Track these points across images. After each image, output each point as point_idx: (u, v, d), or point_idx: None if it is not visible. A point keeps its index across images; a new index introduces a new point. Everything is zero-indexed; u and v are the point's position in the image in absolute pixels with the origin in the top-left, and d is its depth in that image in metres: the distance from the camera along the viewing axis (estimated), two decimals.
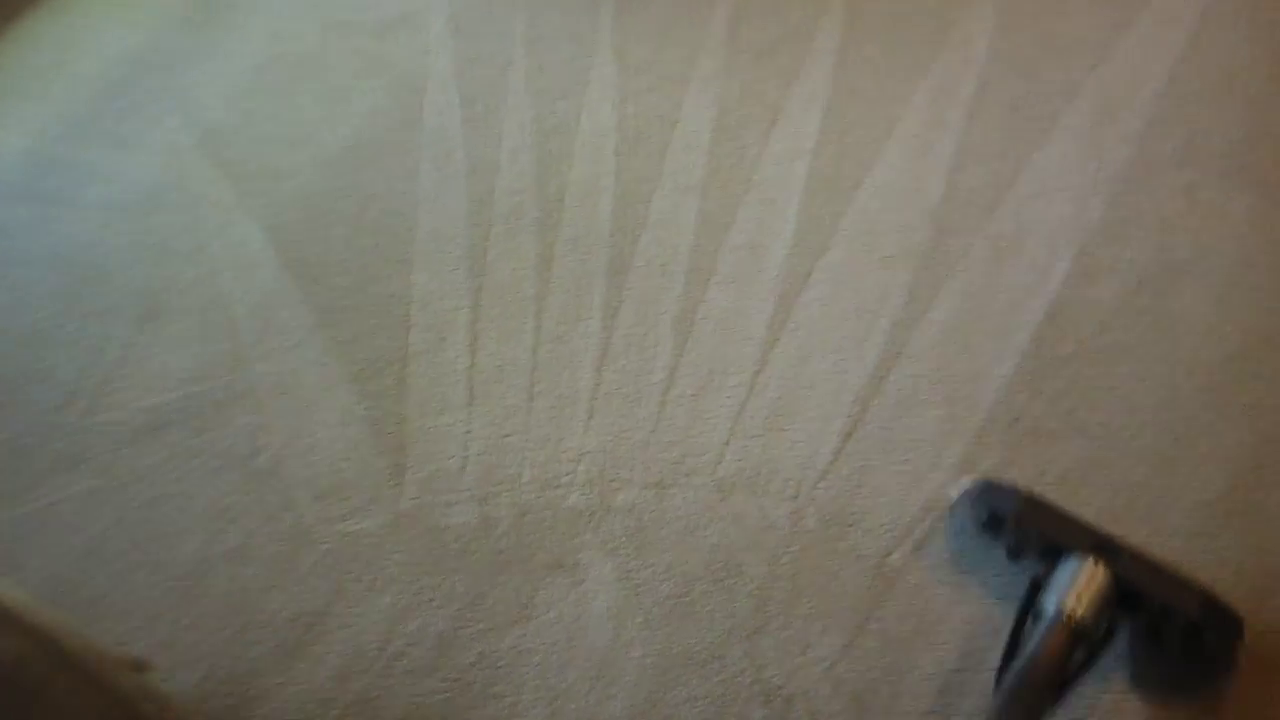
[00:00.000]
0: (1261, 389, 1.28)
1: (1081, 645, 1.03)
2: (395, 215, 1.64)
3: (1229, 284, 1.39)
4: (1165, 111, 1.60)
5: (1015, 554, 1.16)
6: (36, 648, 0.73)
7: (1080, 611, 1.02)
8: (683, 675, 1.14)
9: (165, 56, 1.98)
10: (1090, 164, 1.55)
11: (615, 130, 1.72)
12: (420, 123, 1.78)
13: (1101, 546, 1.08)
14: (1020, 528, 1.14)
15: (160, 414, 1.42)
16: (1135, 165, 1.54)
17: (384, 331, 1.48)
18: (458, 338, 1.47)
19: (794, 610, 1.17)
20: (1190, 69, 1.65)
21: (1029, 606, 1.08)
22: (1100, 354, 1.34)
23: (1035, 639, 1.02)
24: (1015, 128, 1.62)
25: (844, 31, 1.82)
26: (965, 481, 1.22)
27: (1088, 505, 1.21)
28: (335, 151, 1.75)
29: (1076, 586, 1.04)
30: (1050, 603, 1.04)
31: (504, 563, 1.24)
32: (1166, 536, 1.18)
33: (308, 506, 1.30)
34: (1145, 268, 1.42)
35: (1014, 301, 1.41)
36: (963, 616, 1.15)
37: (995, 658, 1.09)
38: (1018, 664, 1.02)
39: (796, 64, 1.78)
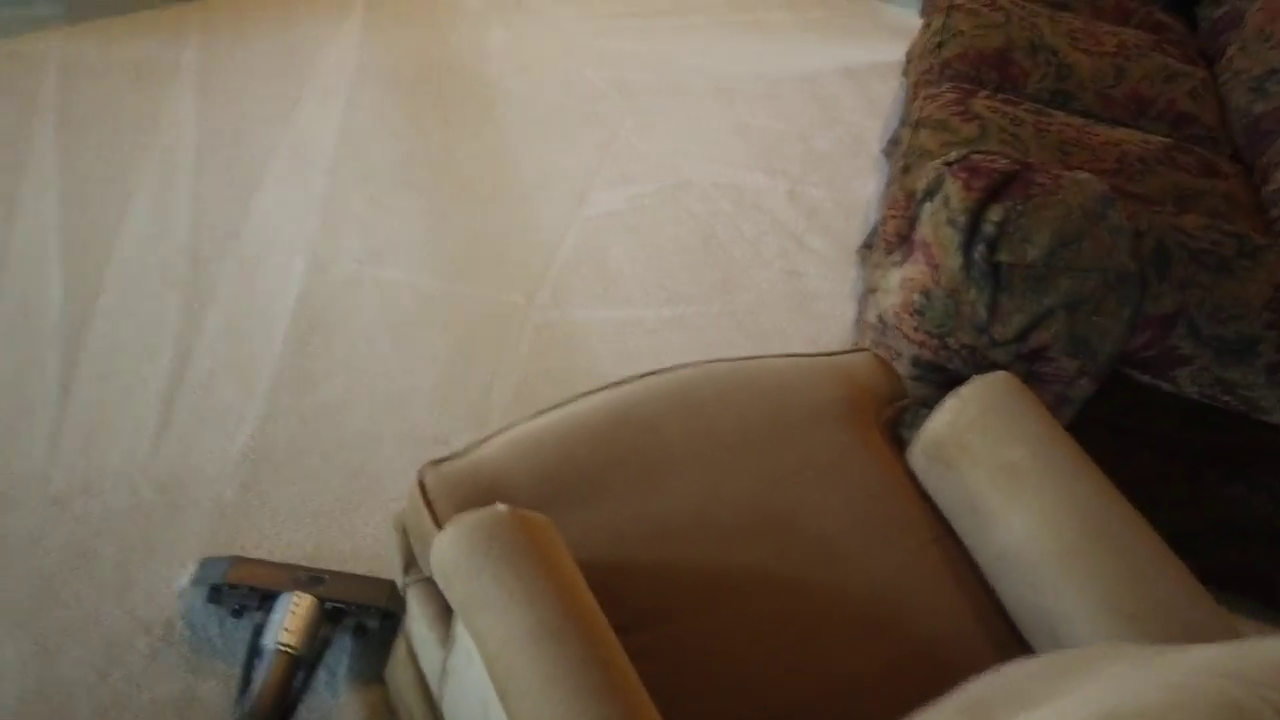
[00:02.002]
0: (438, 328, 1.87)
1: (300, 668, 1.22)
2: None
3: (414, 255, 1.98)
4: (344, 149, 2.17)
5: (240, 613, 1.31)
6: None
7: (292, 640, 1.21)
8: (64, 644, 1.28)
9: None
10: (298, 193, 2.04)
11: None
12: None
13: (303, 580, 1.29)
14: (234, 587, 1.29)
15: None
16: (332, 187, 2.07)
17: None
18: None
19: (151, 562, 1.39)
20: (353, 118, 2.26)
21: (254, 650, 1.25)
22: (340, 318, 1.81)
23: (259, 675, 1.19)
24: (235, 176, 2.04)
25: (58, 132, 2.06)
26: (190, 566, 1.36)
27: (358, 413, 1.65)
28: None
29: (286, 620, 1.22)
30: (268, 640, 1.22)
31: None
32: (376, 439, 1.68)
33: None
34: (358, 253, 1.95)
35: (270, 294, 1.82)
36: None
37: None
38: (246, 701, 1.17)
39: (16, 161, 1.96)
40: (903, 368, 1.44)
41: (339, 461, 1.57)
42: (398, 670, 1.22)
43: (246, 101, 2.24)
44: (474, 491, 1.05)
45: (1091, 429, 1.29)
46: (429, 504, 1.04)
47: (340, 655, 1.32)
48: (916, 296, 1.39)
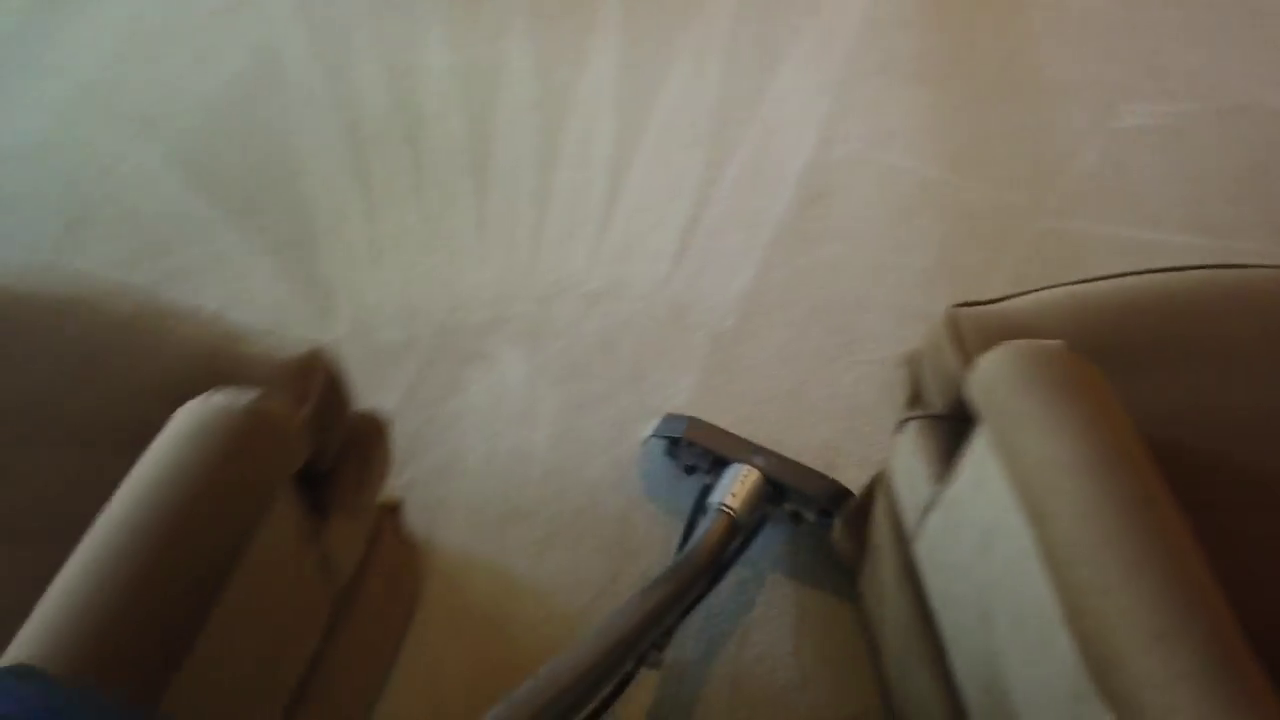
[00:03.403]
0: (935, 214, 1.85)
1: (738, 532, 1.24)
2: (277, 142, 1.92)
3: (919, 144, 1.97)
4: (864, 38, 2.20)
5: (691, 470, 1.39)
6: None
7: (736, 505, 1.24)
8: (587, 409, 1.51)
9: (34, 32, 2.15)
10: (815, 75, 2.12)
11: (454, 72, 2.10)
12: (284, 76, 2.07)
13: (753, 454, 1.32)
14: (691, 444, 1.36)
15: None
16: (849, 74, 2.12)
17: (290, 219, 1.77)
18: (356, 217, 1.78)
19: (661, 365, 1.58)
20: (878, 9, 2.28)
21: (699, 507, 1.30)
22: (842, 191, 1.87)
23: (700, 528, 1.23)
24: (762, 53, 2.17)
25: (623, 2, 2.33)
26: (654, 421, 1.44)
27: (848, 279, 1.70)
28: (211, 99, 2.01)
29: (733, 487, 1.26)
30: (715, 499, 1.26)
31: (432, 360, 1.56)
32: (892, 310, 1.70)
33: None
34: (865, 136, 1.98)
35: (781, 161, 1.92)
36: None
37: None
38: (686, 549, 1.19)
39: (590, 20, 2.25)
40: None
41: (825, 317, 1.64)
42: (876, 512, 1.27)
43: None
44: (1006, 335, 1.04)
45: None
46: (958, 338, 1.05)
47: (773, 537, 1.36)
48: None
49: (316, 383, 0.96)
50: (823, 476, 1.33)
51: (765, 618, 1.28)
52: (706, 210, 1.83)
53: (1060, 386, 0.85)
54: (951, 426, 1.14)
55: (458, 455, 1.44)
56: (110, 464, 0.78)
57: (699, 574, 1.15)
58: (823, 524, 1.33)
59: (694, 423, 1.38)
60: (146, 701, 0.66)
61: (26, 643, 0.64)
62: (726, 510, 1.23)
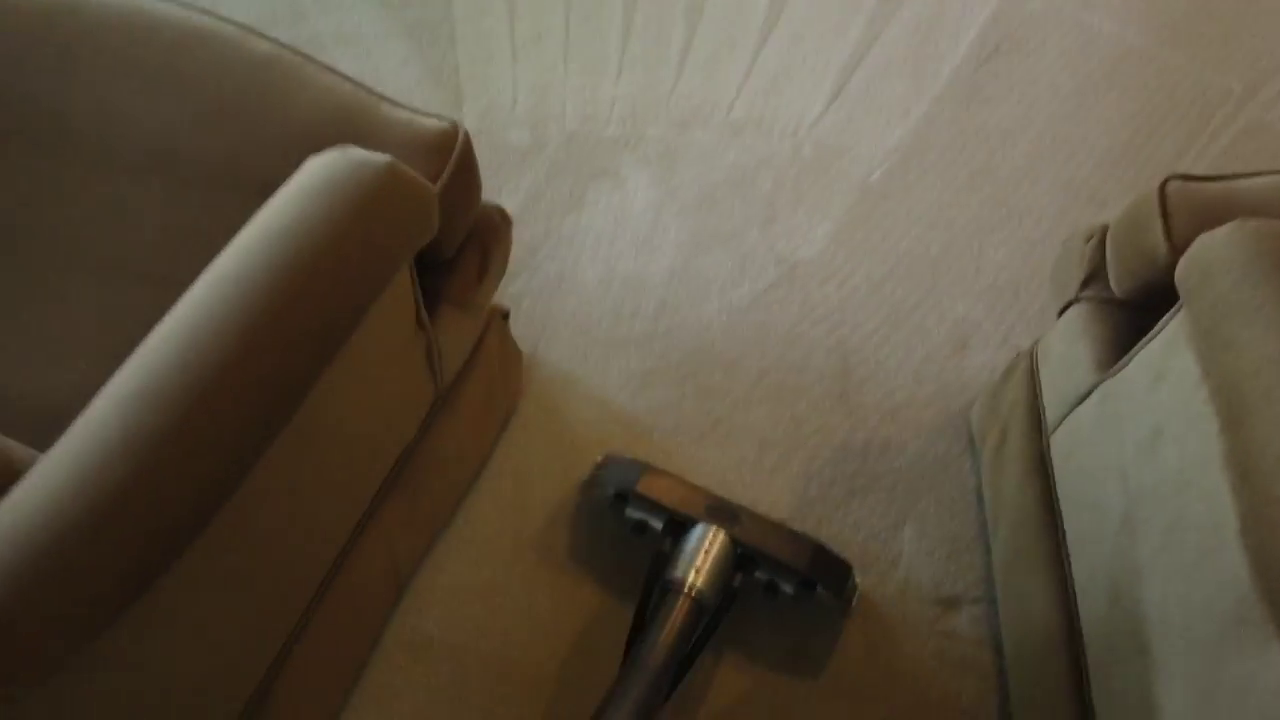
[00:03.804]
0: (1131, 89, 1.63)
1: (704, 615, 1.01)
2: None
3: (1126, 3, 1.73)
4: None
5: (640, 530, 1.12)
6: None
7: (700, 583, 1.00)
8: (711, 246, 1.41)
9: None
10: None
11: None
12: None
13: (719, 513, 1.07)
14: (642, 500, 1.09)
15: None
16: None
17: (431, 2, 1.67)
18: (498, 9, 1.67)
19: (797, 209, 1.46)
20: None
21: (653, 580, 1.04)
22: (1028, 48, 1.67)
23: (661, 613, 0.99)
24: None
25: None
26: (597, 459, 1.17)
27: (1019, 148, 1.53)
28: None
29: (697, 558, 1.02)
30: (673, 575, 1.01)
31: (557, 170, 1.48)
32: (1026, 192, 1.52)
33: None
34: None
35: (966, 5, 1.72)
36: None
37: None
38: (646, 636, 0.98)
39: None
40: None
41: (986, 184, 1.49)
42: (1006, 386, 1.17)
43: None
44: (1226, 218, 0.89)
45: None
46: (1166, 214, 0.91)
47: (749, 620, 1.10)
48: None
49: (452, 160, 0.89)
50: (800, 537, 1.08)
51: (867, 486, 1.21)
52: (873, 50, 1.66)
53: None
54: (1128, 314, 1.02)
55: (572, 273, 1.37)
56: (233, 209, 0.73)
57: (661, 673, 0.95)
58: (803, 596, 1.06)
59: (650, 472, 1.11)
60: (248, 452, 0.63)
61: (127, 378, 0.61)
62: (691, 592, 1.00)
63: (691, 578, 1.00)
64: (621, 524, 1.13)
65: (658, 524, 1.09)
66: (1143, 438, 0.87)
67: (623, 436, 1.23)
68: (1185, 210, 0.91)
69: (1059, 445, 1.05)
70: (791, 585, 1.06)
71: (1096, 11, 1.70)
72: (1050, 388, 1.08)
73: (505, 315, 1.18)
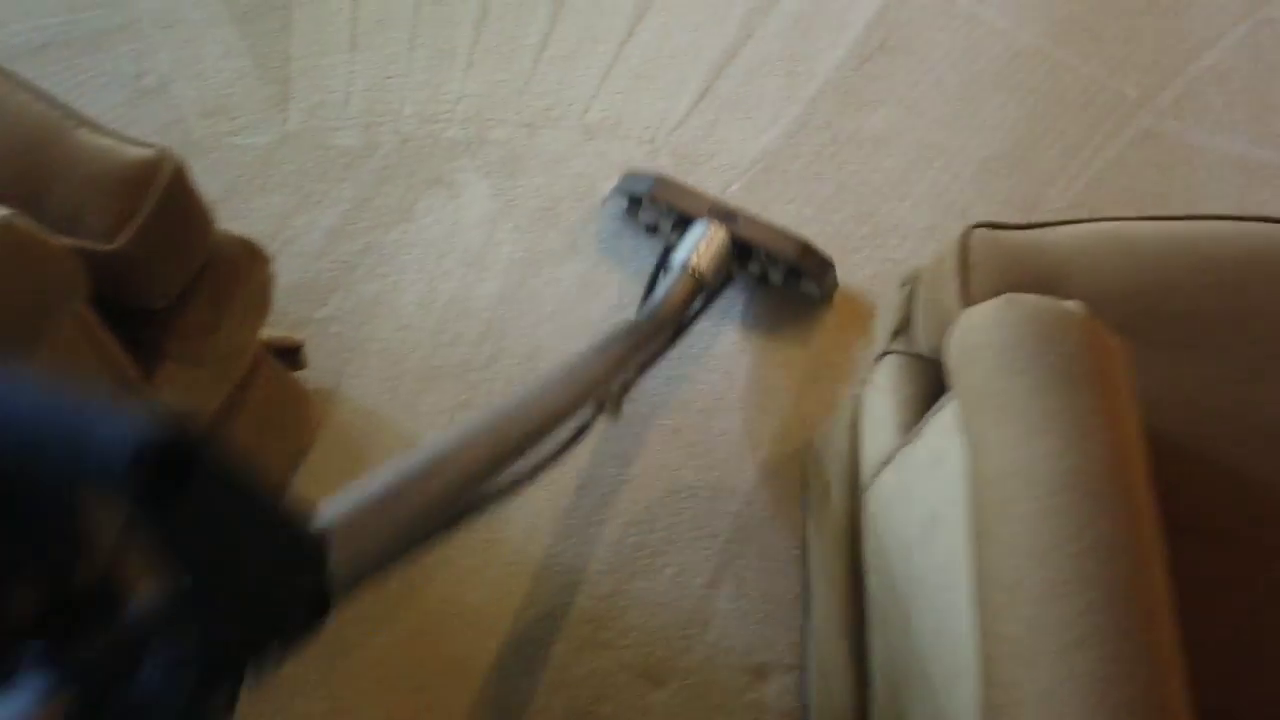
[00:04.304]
0: (1019, 92, 1.53)
1: (701, 292, 1.18)
2: None
3: (1026, 2, 1.62)
4: None
5: (654, 230, 1.31)
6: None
7: (701, 265, 1.17)
8: (549, 266, 1.31)
9: None
10: None
11: None
12: None
13: (720, 213, 1.23)
14: (654, 203, 1.27)
15: (42, 36, 1.44)
16: None
17: None
18: None
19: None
20: None
21: (662, 265, 1.23)
22: (916, 45, 1.55)
23: (664, 287, 1.16)
24: None
25: None
26: (614, 178, 1.33)
27: (893, 156, 1.43)
28: None
29: (699, 245, 1.19)
30: (678, 260, 1.18)
31: (387, 177, 1.36)
32: (957, 175, 1.42)
33: (196, 122, 1.38)
34: None
35: (850, 2, 1.60)
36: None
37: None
38: (647, 307, 1.13)
39: None
40: None
41: (854, 197, 1.39)
42: (835, 431, 1.08)
43: None
44: (1028, 277, 0.80)
45: None
46: (964, 269, 0.82)
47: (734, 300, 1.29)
48: None
49: (151, 197, 0.78)
50: (792, 237, 1.25)
51: (689, 538, 1.13)
52: (747, 45, 1.54)
53: (1061, 375, 0.63)
54: (936, 372, 0.93)
55: (391, 295, 1.27)
56: None
57: (659, 331, 1.11)
58: (790, 286, 1.27)
59: (661, 180, 1.29)
60: None
61: None
62: (693, 272, 1.17)
63: (694, 260, 1.17)
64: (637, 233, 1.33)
65: (668, 224, 1.28)
66: (925, 518, 0.78)
67: None
68: (988, 264, 0.82)
69: (869, 507, 0.96)
70: (780, 275, 1.26)
71: (991, 6, 1.59)
72: (868, 441, 0.99)
73: (294, 350, 1.07)
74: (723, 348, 1.26)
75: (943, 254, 0.84)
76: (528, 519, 1.12)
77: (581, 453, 1.17)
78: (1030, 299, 0.67)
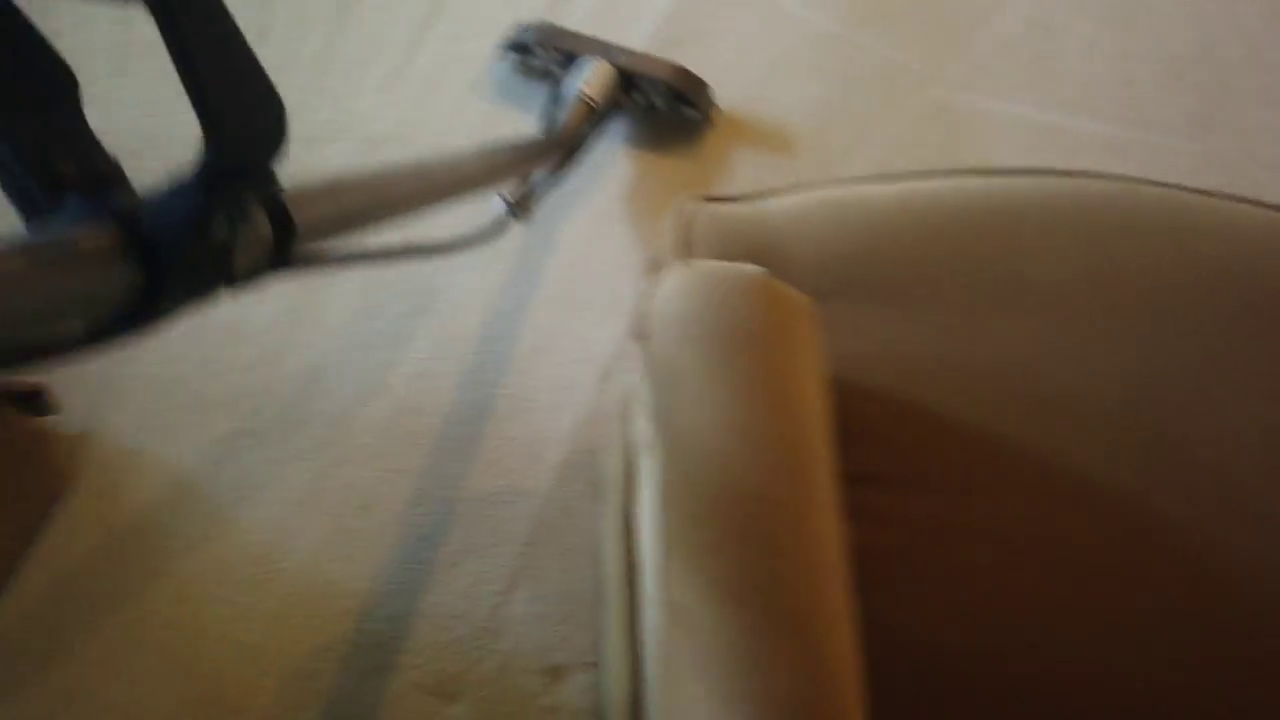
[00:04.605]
0: (812, 76, 1.54)
1: (592, 117, 1.29)
2: None
3: None
4: None
5: (544, 74, 1.44)
6: None
7: (591, 91, 1.29)
8: (326, 283, 1.26)
9: None
10: None
11: None
12: None
13: (606, 51, 1.36)
14: (543, 48, 1.39)
15: None
16: None
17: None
18: (105, 11, 1.47)
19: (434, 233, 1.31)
20: None
21: (554, 97, 1.33)
22: (706, 39, 1.55)
23: (559, 115, 1.28)
24: None
25: None
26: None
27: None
28: None
29: (588, 77, 1.31)
30: (570, 89, 1.30)
31: None
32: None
33: None
34: None
35: None
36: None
37: None
38: (544, 132, 1.26)
39: None
40: None
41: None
42: (619, 423, 1.05)
43: None
44: (747, 248, 0.78)
45: None
46: (685, 245, 0.80)
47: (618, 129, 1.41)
48: None
49: None
50: (678, 67, 1.36)
51: (487, 541, 1.09)
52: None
53: (729, 336, 0.61)
54: None
55: None
56: None
57: (555, 148, 1.20)
58: (674, 111, 1.38)
59: (545, 26, 1.42)
60: None
61: None
62: (584, 98, 1.28)
63: (584, 88, 1.29)
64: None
65: (557, 67, 1.39)
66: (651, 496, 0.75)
67: (200, 513, 1.07)
68: (709, 239, 0.80)
69: (641, 499, 0.93)
70: (663, 100, 1.37)
71: None
72: (630, 429, 0.97)
73: (30, 396, 1.00)
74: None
75: (662, 234, 0.82)
76: (308, 546, 1.06)
77: (364, 468, 1.12)
78: (709, 264, 0.65)
